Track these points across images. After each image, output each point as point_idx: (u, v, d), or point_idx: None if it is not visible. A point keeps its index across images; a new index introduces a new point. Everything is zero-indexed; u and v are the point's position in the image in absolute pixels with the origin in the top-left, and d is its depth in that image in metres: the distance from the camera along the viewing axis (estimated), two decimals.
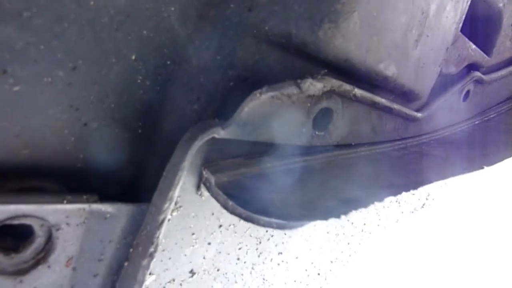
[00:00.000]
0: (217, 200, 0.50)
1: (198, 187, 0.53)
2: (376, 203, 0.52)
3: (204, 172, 0.51)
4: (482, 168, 0.75)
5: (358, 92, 0.65)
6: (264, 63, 0.57)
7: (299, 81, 0.53)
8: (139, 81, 0.51)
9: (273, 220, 0.46)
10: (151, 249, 0.52)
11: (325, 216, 0.45)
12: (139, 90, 0.51)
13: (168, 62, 0.52)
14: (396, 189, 0.57)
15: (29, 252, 0.48)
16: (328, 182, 0.61)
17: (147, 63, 0.50)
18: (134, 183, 0.56)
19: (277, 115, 0.56)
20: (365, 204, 0.50)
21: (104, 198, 0.51)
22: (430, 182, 0.62)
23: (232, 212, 0.48)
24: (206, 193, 0.53)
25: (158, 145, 0.56)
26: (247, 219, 0.47)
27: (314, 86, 0.54)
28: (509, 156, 0.82)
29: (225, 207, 0.49)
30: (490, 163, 0.77)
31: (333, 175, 0.63)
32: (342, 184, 0.60)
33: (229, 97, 0.55)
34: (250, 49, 0.55)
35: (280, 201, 0.51)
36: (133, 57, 0.49)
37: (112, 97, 0.49)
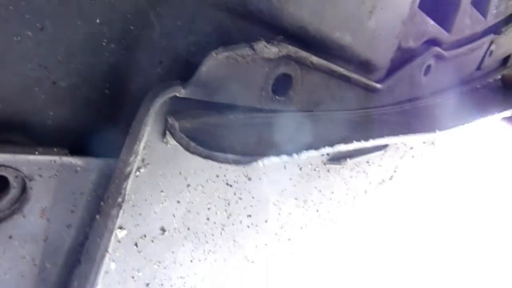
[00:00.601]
0: (181, 144, 0.54)
1: (163, 135, 0.58)
2: (327, 147, 0.56)
3: (169, 119, 0.56)
4: (435, 131, 0.80)
5: (315, 59, 0.70)
6: (223, 30, 0.62)
7: (253, 43, 0.57)
8: (104, 44, 0.55)
9: (229, 155, 0.50)
10: (119, 199, 0.56)
11: (277, 153, 0.50)
12: (105, 53, 0.55)
13: (132, 27, 0.56)
14: (349, 140, 0.61)
15: (4, 202, 0.52)
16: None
17: (112, 27, 0.54)
18: (104, 141, 0.60)
19: (235, 77, 0.60)
20: (316, 147, 0.55)
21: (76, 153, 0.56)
22: (382, 137, 0.67)
23: (193, 152, 0.53)
24: (171, 141, 0.57)
25: (125, 105, 0.60)
26: (206, 156, 0.52)
27: (268, 49, 0.59)
28: (461, 124, 0.87)
29: (187, 148, 0.53)
30: (443, 128, 0.82)
31: (292, 128, 0.68)
32: (298, 134, 0.65)
33: (190, 61, 0.60)
34: (209, 16, 0.60)
35: (239, 143, 0.56)
36: (98, 21, 0.53)
37: (79, 58, 0.53)
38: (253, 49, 0.57)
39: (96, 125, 0.59)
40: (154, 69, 0.60)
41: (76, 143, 0.58)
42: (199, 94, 0.58)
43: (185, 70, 0.61)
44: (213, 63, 0.55)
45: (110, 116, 0.60)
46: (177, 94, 0.56)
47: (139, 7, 0.56)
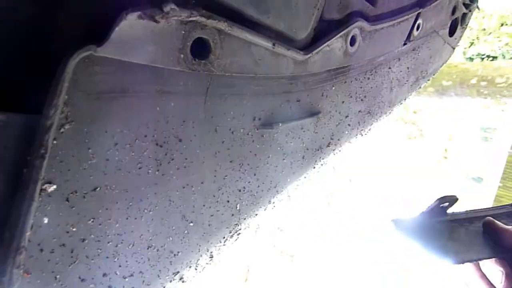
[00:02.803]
0: None
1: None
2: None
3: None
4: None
5: (231, 25, 0.76)
6: None
7: (162, 4, 0.63)
8: (24, 6, 0.59)
9: None
10: (42, 151, 0.61)
11: None
12: (23, 15, 0.60)
13: None
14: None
15: None
16: None
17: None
18: (30, 100, 0.65)
19: (150, 37, 0.66)
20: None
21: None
22: None
23: None
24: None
25: (48, 67, 0.64)
26: None
27: (177, 11, 0.64)
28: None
29: None
30: None
31: None
32: None
33: (107, 24, 0.65)
34: None
35: None
36: None
37: None
38: (162, 10, 0.62)
39: (20, 85, 0.63)
40: (73, 31, 0.64)
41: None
42: (115, 53, 0.63)
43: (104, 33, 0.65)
44: (125, 23, 0.60)
45: (34, 76, 0.64)
46: (93, 53, 0.61)
47: None
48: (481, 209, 1.21)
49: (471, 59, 12.15)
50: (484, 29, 11.51)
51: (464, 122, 12.79)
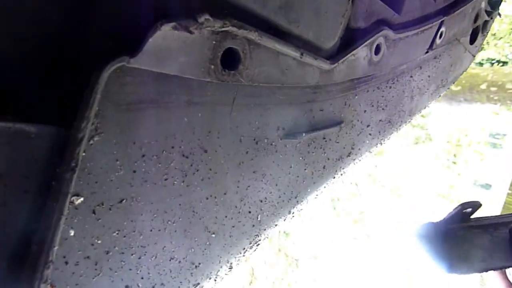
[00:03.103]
0: None
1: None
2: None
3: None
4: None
5: (261, 35, 0.75)
6: (170, 5, 0.66)
7: (196, 15, 0.61)
8: (55, 18, 0.58)
9: None
10: (73, 164, 0.60)
11: None
12: (56, 26, 0.59)
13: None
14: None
15: None
16: None
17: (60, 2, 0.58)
18: (62, 112, 0.63)
19: (182, 48, 0.64)
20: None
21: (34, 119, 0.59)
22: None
23: None
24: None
25: (78, 78, 0.63)
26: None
27: (211, 21, 0.63)
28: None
29: None
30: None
31: None
32: None
33: (141, 35, 0.63)
34: None
35: None
36: None
37: (31, 29, 0.56)
38: (197, 20, 0.61)
39: (51, 95, 0.62)
40: (105, 43, 0.63)
41: (31, 112, 0.61)
42: (147, 64, 0.62)
43: (135, 43, 0.64)
44: (159, 34, 0.59)
45: (65, 86, 0.63)
46: (125, 64, 0.59)
47: None
48: (507, 214, 1.17)
49: (481, 64, 12.05)
50: (495, 34, 11.42)
51: (473, 128, 12.70)
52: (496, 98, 10.65)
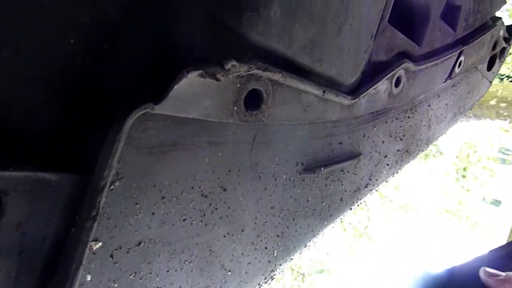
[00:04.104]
0: None
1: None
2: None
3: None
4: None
5: (285, 75, 0.73)
6: (196, 45, 0.65)
7: (223, 61, 0.60)
8: (78, 62, 0.57)
9: None
10: (93, 213, 0.58)
11: None
12: (81, 69, 0.57)
13: (105, 46, 0.58)
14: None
15: None
16: None
17: (85, 44, 0.56)
18: (82, 156, 0.62)
19: (207, 93, 0.63)
20: None
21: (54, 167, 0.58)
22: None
23: None
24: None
25: (102, 120, 0.62)
26: None
27: (237, 67, 0.61)
28: None
29: None
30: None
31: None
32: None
33: (163, 75, 0.62)
34: (179, 32, 0.62)
35: None
36: (72, 41, 0.55)
37: (55, 75, 0.55)
38: (223, 67, 0.59)
39: (72, 139, 0.61)
40: (129, 81, 0.62)
41: (51, 157, 0.59)
42: (171, 110, 0.60)
43: (158, 83, 0.63)
44: (185, 81, 0.58)
45: (86, 129, 0.62)
46: (149, 111, 0.58)
47: (110, 24, 0.58)
48: None
49: None
50: None
51: (483, 143, 12.56)
52: (505, 114, 10.55)
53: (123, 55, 0.60)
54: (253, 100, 0.73)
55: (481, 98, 1.75)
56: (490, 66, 1.66)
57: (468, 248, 13.01)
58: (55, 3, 0.53)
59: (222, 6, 0.62)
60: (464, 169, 12.46)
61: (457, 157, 12.48)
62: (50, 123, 0.59)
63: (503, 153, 14.97)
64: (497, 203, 14.90)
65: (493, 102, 10.53)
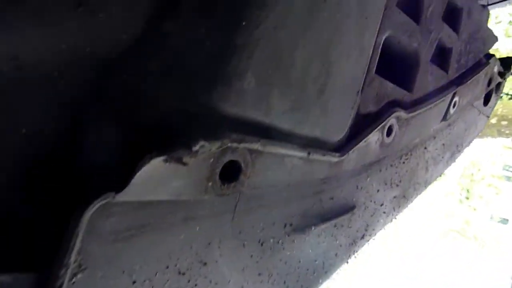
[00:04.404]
0: None
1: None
2: None
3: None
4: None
5: (264, 143, 0.69)
6: (164, 123, 0.60)
7: (191, 142, 0.55)
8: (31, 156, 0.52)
9: None
10: None
11: None
12: (34, 164, 0.53)
13: (63, 133, 0.54)
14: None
15: None
16: None
17: (43, 133, 0.52)
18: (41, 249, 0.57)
19: (176, 173, 0.58)
20: None
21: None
22: None
23: None
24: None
25: (63, 210, 0.57)
26: None
27: (207, 147, 0.57)
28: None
29: None
30: None
31: None
32: None
33: (129, 160, 0.57)
34: (147, 113, 0.58)
35: None
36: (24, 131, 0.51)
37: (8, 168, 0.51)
38: (191, 149, 0.55)
39: (30, 230, 0.56)
40: (90, 169, 0.57)
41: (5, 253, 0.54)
42: (136, 196, 0.55)
43: (124, 167, 0.58)
44: (148, 167, 0.53)
45: (44, 220, 0.56)
46: (110, 200, 0.53)
47: (70, 109, 0.54)
48: None
49: None
50: None
51: (486, 162, 12.47)
52: (507, 132, 10.48)
53: (88, 139, 0.55)
54: (231, 171, 0.68)
55: (479, 133, 1.70)
56: (486, 101, 1.62)
57: (478, 268, 12.73)
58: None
59: (192, 83, 0.58)
60: (468, 190, 12.33)
61: (461, 176, 12.37)
62: (4, 213, 0.54)
63: (507, 170, 14.82)
64: (504, 221, 14.65)
65: (494, 121, 10.48)
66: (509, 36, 10.16)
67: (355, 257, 1.22)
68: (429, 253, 12.99)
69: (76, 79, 0.53)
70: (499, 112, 10.73)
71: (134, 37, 0.54)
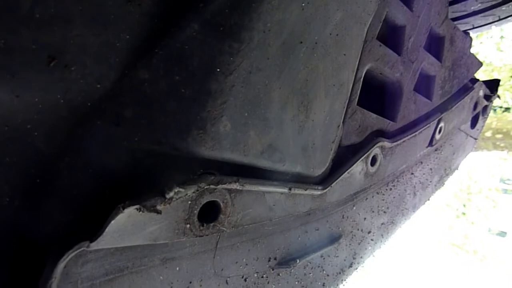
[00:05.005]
0: None
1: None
2: None
3: None
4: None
5: (243, 183, 0.69)
6: (141, 168, 0.61)
7: (165, 189, 0.55)
8: (6, 203, 0.52)
9: None
10: None
11: None
12: (8, 211, 0.53)
13: (38, 180, 0.54)
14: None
15: None
16: None
17: (14, 185, 0.52)
18: None
19: (151, 219, 0.58)
20: None
21: None
22: None
23: None
24: None
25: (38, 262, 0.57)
26: None
27: (182, 192, 0.57)
28: None
29: None
30: None
31: None
32: None
33: (104, 208, 0.57)
34: (123, 159, 0.59)
35: None
36: None
37: None
38: (164, 196, 0.55)
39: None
40: (66, 217, 0.57)
41: None
42: (110, 244, 0.55)
43: (99, 215, 0.58)
44: (121, 216, 0.53)
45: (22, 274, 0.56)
46: (85, 249, 0.53)
47: (45, 160, 0.54)
48: None
49: None
50: None
51: (483, 175, 12.47)
52: (502, 145, 10.51)
53: (58, 188, 0.56)
54: (210, 212, 0.69)
55: (467, 155, 1.71)
56: (473, 124, 1.63)
57: (479, 282, 12.62)
58: None
59: (167, 128, 0.58)
60: (464, 205, 12.31)
61: (458, 190, 12.35)
62: None
63: (505, 182, 14.83)
64: (503, 234, 14.59)
65: (488, 134, 10.53)
66: (501, 51, 10.28)
67: (343, 285, 1.21)
68: (430, 267, 12.89)
69: (50, 129, 0.53)
70: (493, 126, 10.79)
71: (108, 86, 0.55)
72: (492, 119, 10.96)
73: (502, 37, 10.55)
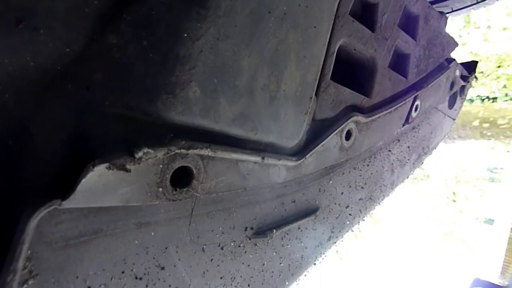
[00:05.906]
0: None
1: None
2: None
3: None
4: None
5: (215, 149, 0.71)
6: (111, 134, 0.62)
7: (134, 149, 0.57)
8: None
9: None
10: None
11: None
12: None
13: (10, 142, 0.56)
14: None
15: None
16: None
17: None
18: None
19: (123, 180, 0.60)
20: None
21: None
22: None
23: None
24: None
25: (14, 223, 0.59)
26: None
27: (152, 153, 0.59)
28: None
29: None
30: None
31: None
32: None
33: (76, 170, 0.59)
34: (94, 123, 0.60)
35: None
36: None
37: None
38: (134, 156, 0.57)
39: None
40: (39, 179, 0.59)
41: None
42: (82, 203, 0.57)
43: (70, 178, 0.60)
44: (92, 175, 0.55)
45: None
46: (57, 207, 0.55)
47: (17, 123, 0.56)
48: None
49: (471, 101, 12.19)
50: (482, 72, 11.63)
51: (470, 163, 12.66)
52: (489, 134, 10.66)
53: (31, 151, 0.57)
54: (183, 177, 0.71)
55: (446, 136, 1.75)
56: (451, 104, 1.67)
57: (466, 269, 12.86)
58: None
59: (137, 92, 0.60)
60: (454, 193, 12.50)
61: (446, 179, 12.52)
62: None
63: (492, 171, 15.07)
64: (490, 221, 14.86)
65: (476, 123, 10.67)
66: (487, 41, 10.39)
67: (323, 259, 1.24)
68: (418, 255, 13.10)
69: (21, 91, 0.55)
70: (480, 115, 10.93)
71: (77, 51, 0.57)
72: (479, 109, 11.11)
73: (489, 27, 10.66)
